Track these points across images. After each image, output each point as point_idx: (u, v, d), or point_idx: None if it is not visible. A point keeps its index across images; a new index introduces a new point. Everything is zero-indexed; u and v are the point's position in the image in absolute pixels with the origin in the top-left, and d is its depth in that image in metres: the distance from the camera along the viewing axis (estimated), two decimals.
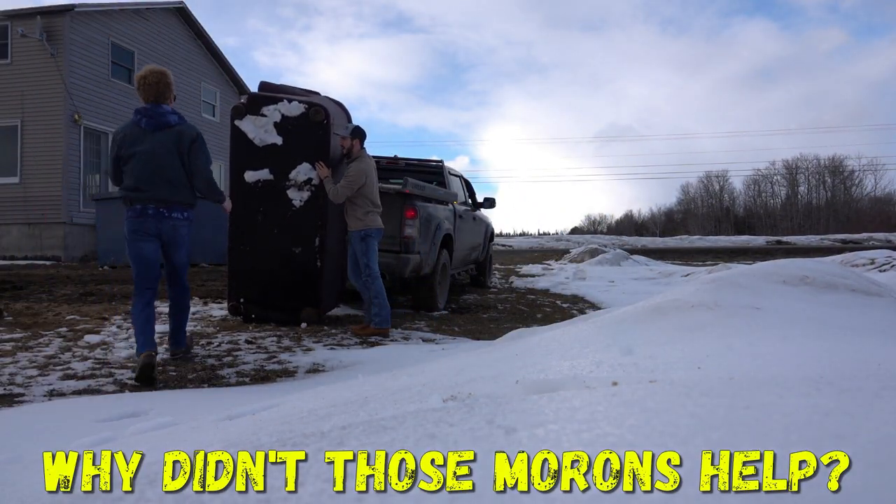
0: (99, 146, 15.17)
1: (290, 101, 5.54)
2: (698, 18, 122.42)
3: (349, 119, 6.23)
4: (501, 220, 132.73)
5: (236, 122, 5.55)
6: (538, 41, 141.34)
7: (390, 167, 7.87)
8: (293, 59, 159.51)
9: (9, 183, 14.23)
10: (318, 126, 5.50)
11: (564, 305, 7.96)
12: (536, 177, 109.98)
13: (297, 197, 5.48)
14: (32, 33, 13.90)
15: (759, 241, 31.49)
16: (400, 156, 8.11)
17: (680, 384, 1.04)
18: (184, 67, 18.08)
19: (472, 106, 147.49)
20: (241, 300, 5.64)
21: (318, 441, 0.83)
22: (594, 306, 7.96)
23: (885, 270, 9.87)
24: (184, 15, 18.10)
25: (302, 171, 5.44)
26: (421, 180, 6.56)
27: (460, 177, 8.95)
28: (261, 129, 5.50)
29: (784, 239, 32.45)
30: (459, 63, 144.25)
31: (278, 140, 5.48)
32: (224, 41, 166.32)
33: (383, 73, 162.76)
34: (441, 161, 8.24)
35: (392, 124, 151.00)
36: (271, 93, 5.67)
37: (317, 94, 5.98)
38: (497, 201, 9.44)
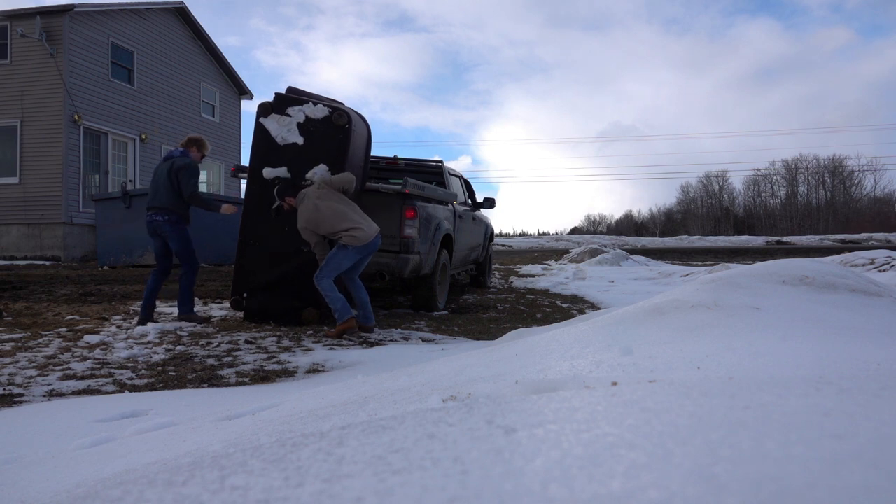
0: (98, 146, 15.16)
1: (315, 103, 5.70)
2: (701, 18, 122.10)
3: (369, 133, 6.31)
4: (501, 220, 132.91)
5: (261, 120, 5.73)
6: (540, 41, 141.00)
7: (390, 167, 7.88)
8: (295, 59, 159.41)
9: (8, 183, 14.22)
10: (339, 130, 5.63)
11: (564, 305, 7.96)
12: (537, 177, 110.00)
13: None
14: (32, 33, 13.89)
15: (759, 241, 31.46)
16: (400, 156, 8.13)
17: (679, 384, 1.04)
18: (183, 67, 18.07)
19: (474, 106, 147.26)
20: (245, 295, 5.67)
21: (318, 441, 0.83)
22: (594, 306, 7.96)
23: (884, 270, 9.88)
24: (183, 15, 18.09)
25: (319, 172, 5.51)
26: (421, 180, 6.57)
27: (460, 177, 8.96)
28: (284, 128, 5.67)
29: (784, 239, 32.42)
30: (462, 63, 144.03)
31: (300, 140, 5.64)
32: (226, 41, 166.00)
33: (385, 72, 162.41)
34: (441, 161, 8.26)
35: (394, 124, 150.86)
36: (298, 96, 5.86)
37: (341, 104, 6.08)
38: (497, 201, 9.45)
